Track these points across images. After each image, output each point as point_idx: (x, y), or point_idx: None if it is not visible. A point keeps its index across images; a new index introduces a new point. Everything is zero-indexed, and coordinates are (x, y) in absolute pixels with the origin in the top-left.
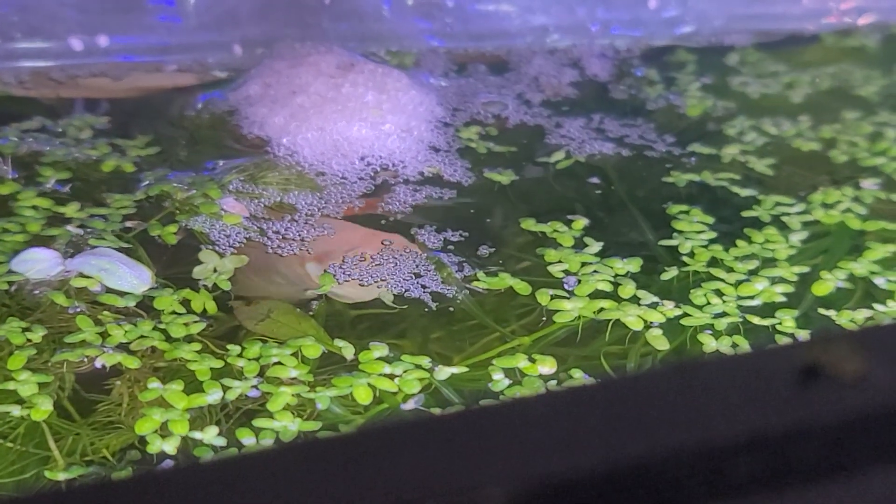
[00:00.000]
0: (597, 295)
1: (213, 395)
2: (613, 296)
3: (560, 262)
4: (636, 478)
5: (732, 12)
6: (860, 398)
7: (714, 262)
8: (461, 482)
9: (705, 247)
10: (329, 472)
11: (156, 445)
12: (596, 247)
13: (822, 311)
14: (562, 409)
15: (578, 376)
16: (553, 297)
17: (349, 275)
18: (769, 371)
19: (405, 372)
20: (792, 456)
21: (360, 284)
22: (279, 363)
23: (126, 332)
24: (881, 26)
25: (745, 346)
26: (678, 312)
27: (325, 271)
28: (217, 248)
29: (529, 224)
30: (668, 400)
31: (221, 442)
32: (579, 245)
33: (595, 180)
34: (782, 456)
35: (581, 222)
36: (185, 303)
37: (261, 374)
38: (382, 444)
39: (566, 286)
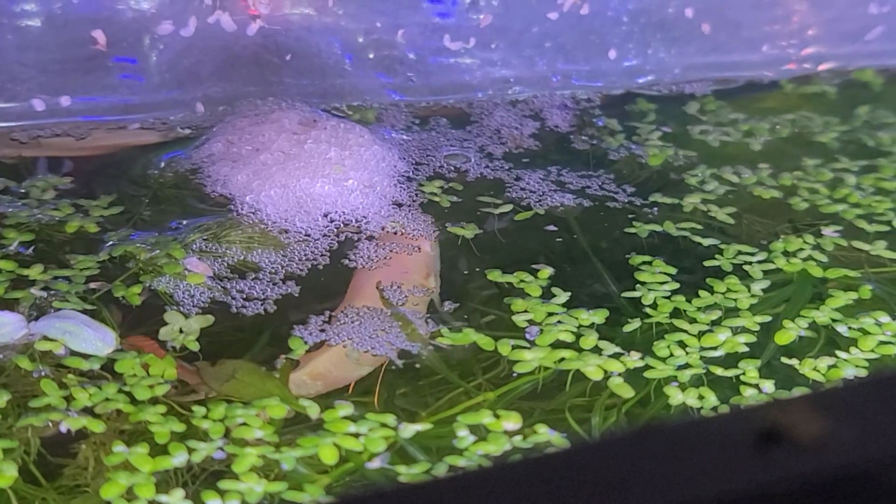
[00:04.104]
0: (558, 345)
1: (178, 458)
2: (575, 347)
3: (526, 311)
4: None
5: (691, 61)
6: (820, 462)
7: (677, 312)
8: None
9: (668, 298)
10: None
11: None
12: (563, 297)
13: (784, 360)
14: (528, 476)
15: (543, 432)
16: (514, 348)
17: (316, 336)
18: (732, 434)
19: (370, 430)
20: None
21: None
22: (245, 424)
23: (91, 395)
24: (840, 72)
25: (709, 397)
26: (641, 364)
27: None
28: (182, 308)
29: (496, 275)
30: (629, 464)
31: None
32: (547, 295)
33: (558, 232)
34: None
35: (546, 271)
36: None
37: (226, 435)
38: None
39: (528, 336)
